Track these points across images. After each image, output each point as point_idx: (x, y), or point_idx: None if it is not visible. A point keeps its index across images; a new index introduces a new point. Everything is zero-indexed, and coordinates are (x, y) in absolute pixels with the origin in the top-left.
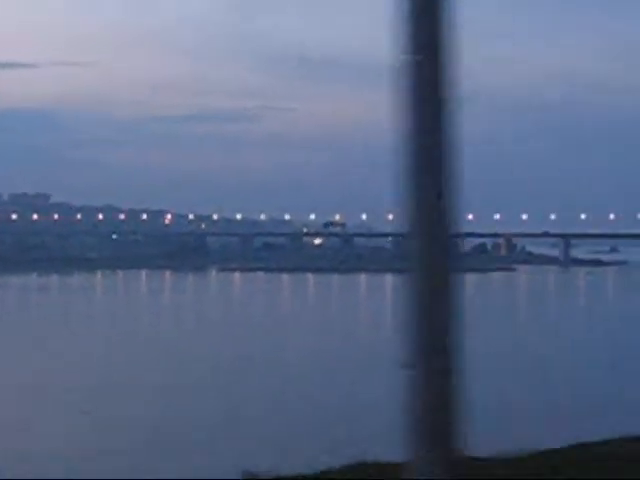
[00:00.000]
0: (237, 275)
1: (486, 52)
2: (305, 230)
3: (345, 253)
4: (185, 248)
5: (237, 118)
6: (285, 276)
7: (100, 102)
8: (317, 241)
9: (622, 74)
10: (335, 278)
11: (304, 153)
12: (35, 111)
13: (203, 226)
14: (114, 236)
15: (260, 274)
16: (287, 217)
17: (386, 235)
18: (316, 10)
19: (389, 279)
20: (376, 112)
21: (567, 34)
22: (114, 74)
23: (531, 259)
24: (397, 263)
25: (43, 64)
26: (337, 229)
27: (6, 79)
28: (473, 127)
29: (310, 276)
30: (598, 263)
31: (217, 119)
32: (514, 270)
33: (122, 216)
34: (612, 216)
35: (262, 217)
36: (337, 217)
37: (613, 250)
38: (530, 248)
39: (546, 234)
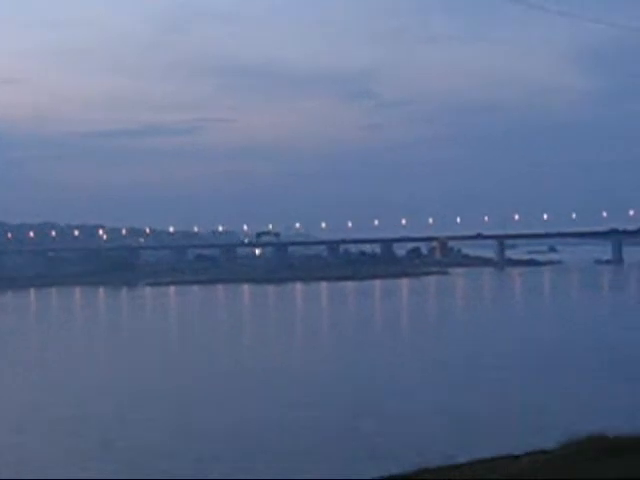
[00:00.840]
0: (167, 289)
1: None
2: (246, 240)
3: (279, 263)
4: (116, 263)
5: (175, 131)
6: (219, 287)
7: (34, 119)
8: (257, 251)
9: (553, 77)
10: (270, 288)
11: (242, 164)
12: None
13: (142, 240)
14: (50, 254)
15: (193, 287)
16: (220, 228)
17: (321, 243)
18: (255, 22)
19: (324, 287)
20: (314, 122)
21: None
22: (47, 91)
23: (467, 261)
24: (332, 270)
25: None
26: (270, 238)
27: None
28: (407, 132)
29: (245, 287)
30: (533, 263)
31: (154, 133)
32: (447, 273)
33: (53, 233)
34: (545, 216)
35: (195, 229)
36: (270, 227)
37: (551, 250)
38: (467, 251)
39: (480, 236)
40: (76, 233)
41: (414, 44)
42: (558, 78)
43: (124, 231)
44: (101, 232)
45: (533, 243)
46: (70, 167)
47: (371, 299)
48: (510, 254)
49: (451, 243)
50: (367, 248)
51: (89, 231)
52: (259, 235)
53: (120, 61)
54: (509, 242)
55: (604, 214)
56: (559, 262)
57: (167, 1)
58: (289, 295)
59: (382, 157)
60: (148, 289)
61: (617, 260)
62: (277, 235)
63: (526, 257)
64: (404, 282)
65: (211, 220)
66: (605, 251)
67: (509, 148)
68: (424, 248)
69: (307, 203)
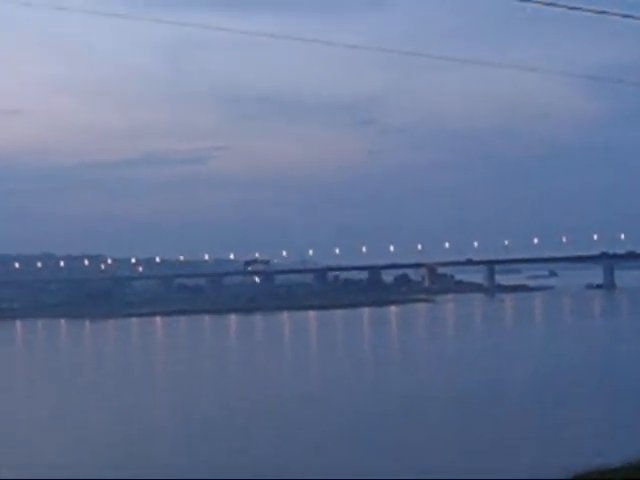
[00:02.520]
0: (145, 320)
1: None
2: (249, 266)
3: (266, 291)
4: (95, 294)
5: (179, 161)
6: (200, 318)
7: (36, 150)
8: (257, 279)
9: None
10: (254, 319)
11: (245, 193)
12: None
13: (141, 269)
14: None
15: (173, 318)
16: (207, 257)
17: (308, 271)
18: (259, 51)
19: (312, 316)
20: (317, 149)
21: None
22: (49, 122)
23: (457, 288)
24: (318, 299)
25: None
26: (260, 267)
27: None
28: (410, 158)
29: (228, 317)
30: (524, 289)
31: (157, 162)
32: (433, 301)
33: (39, 264)
34: (536, 240)
35: (181, 258)
36: (257, 255)
37: (552, 274)
38: (461, 276)
39: (469, 262)
40: (62, 264)
41: (419, 70)
42: (564, 102)
43: (109, 260)
44: (87, 263)
45: (534, 268)
46: (71, 198)
47: (351, 329)
48: (511, 279)
49: (444, 269)
50: (357, 275)
51: (88, 262)
52: (247, 263)
53: (124, 92)
54: (512, 267)
55: (595, 237)
56: (551, 287)
57: (171, 32)
58: (272, 326)
59: (384, 184)
60: (125, 320)
61: (608, 285)
62: (267, 263)
63: (517, 283)
64: (389, 310)
65: (213, 249)
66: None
67: (512, 173)
68: (415, 275)
69: (305, 231)
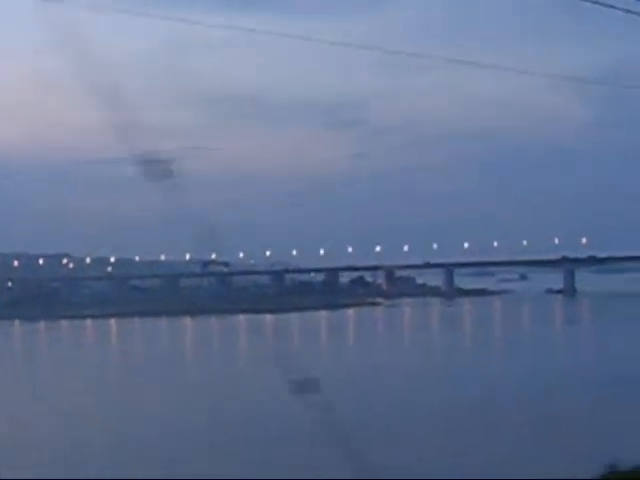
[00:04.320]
0: (82, 322)
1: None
2: (206, 267)
3: (222, 294)
4: (34, 295)
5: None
6: (147, 320)
7: (21, 147)
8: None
9: (548, 104)
10: (213, 321)
11: (224, 194)
12: None
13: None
14: None
15: (114, 320)
16: (163, 257)
17: (265, 273)
18: (241, 49)
19: (269, 320)
20: (300, 150)
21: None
22: (35, 119)
23: (415, 291)
24: (277, 301)
25: None
26: (218, 268)
27: None
28: (393, 161)
29: (177, 319)
30: (484, 293)
31: (120, 162)
32: (379, 304)
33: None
34: (495, 244)
35: (137, 258)
36: (213, 256)
37: (522, 278)
38: (425, 279)
39: (428, 265)
40: (15, 264)
41: (405, 70)
42: (553, 106)
43: (65, 260)
44: (44, 262)
45: (505, 271)
46: (52, 196)
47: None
48: (480, 282)
49: (409, 272)
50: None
51: (54, 261)
52: (205, 264)
53: (103, 89)
54: (487, 270)
55: (556, 241)
56: (511, 291)
57: (149, 31)
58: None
59: (365, 186)
60: (62, 323)
61: (568, 289)
62: (226, 265)
63: (478, 286)
64: (335, 314)
65: (179, 249)
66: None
67: (493, 176)
68: (377, 277)
69: (273, 232)
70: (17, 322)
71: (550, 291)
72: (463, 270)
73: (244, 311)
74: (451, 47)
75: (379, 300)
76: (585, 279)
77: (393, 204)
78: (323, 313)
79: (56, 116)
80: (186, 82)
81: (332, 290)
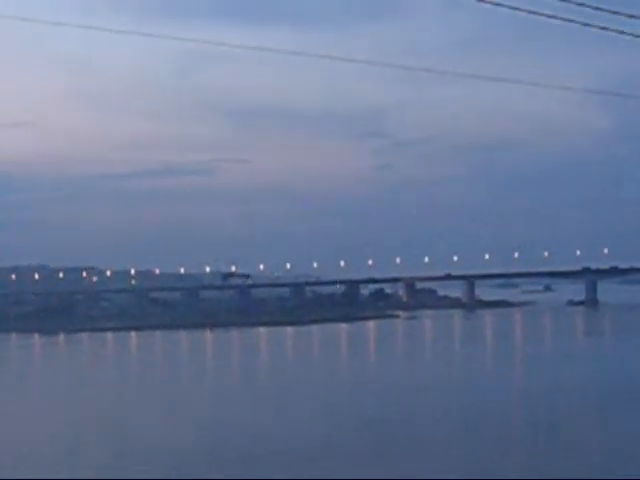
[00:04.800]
0: (101, 336)
1: None
2: (226, 280)
3: (242, 306)
4: (52, 308)
5: (190, 172)
6: (166, 333)
7: (50, 161)
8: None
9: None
10: (233, 334)
11: (253, 205)
12: None
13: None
14: None
15: (133, 334)
16: (182, 270)
17: (286, 285)
18: (259, 62)
19: (290, 332)
20: (325, 162)
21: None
22: (62, 134)
23: (435, 303)
24: (297, 313)
25: None
26: (239, 280)
27: None
28: (417, 172)
29: (196, 333)
30: (505, 304)
31: (169, 174)
32: (395, 317)
33: (13, 276)
34: (516, 255)
35: (157, 271)
36: (233, 268)
37: (547, 289)
38: (447, 292)
39: (448, 277)
40: (36, 277)
41: (427, 83)
42: (571, 117)
43: (84, 273)
44: (70, 276)
45: (530, 283)
46: (83, 209)
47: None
48: (506, 294)
49: (431, 285)
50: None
51: (80, 274)
52: (225, 277)
53: (136, 103)
54: (515, 281)
55: (578, 252)
56: (532, 303)
57: (183, 43)
58: (231, 343)
59: (389, 197)
60: (80, 336)
61: (590, 301)
62: (247, 277)
63: (499, 298)
64: (353, 326)
65: (205, 262)
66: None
67: (515, 188)
68: (398, 289)
69: (296, 244)
70: (36, 335)
71: (571, 303)
72: (487, 282)
73: (264, 324)
74: (472, 60)
75: (398, 313)
76: (607, 290)
77: (414, 215)
78: (343, 326)
79: (77, 130)
80: (215, 96)
81: (352, 302)
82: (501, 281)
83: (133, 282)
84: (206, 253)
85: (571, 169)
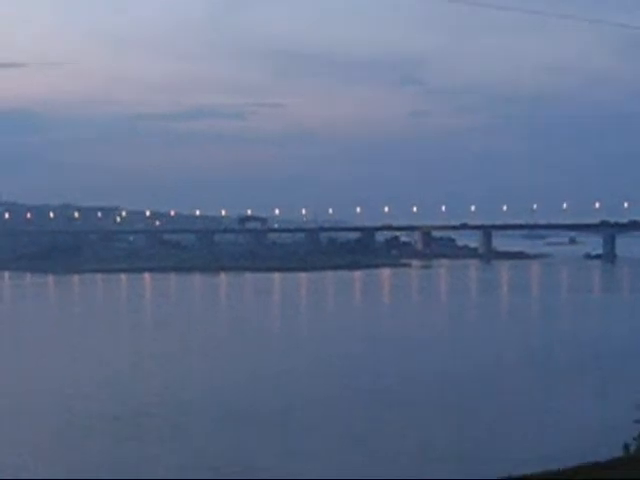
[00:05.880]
0: (112, 276)
1: None
2: (243, 224)
3: (256, 251)
4: (60, 247)
5: (225, 115)
6: (175, 276)
7: (83, 102)
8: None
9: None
10: (249, 277)
11: (287, 150)
12: (19, 111)
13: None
14: None
15: (144, 275)
16: (197, 212)
17: (301, 230)
18: (311, 6)
19: (297, 279)
20: (362, 108)
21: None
22: (96, 74)
23: (451, 253)
24: (310, 259)
25: (30, 63)
26: (255, 224)
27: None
28: (453, 121)
29: (222, 275)
30: (521, 256)
31: (203, 116)
32: (406, 266)
33: (29, 215)
34: (535, 206)
35: (172, 213)
36: (249, 212)
37: (572, 241)
38: (467, 242)
39: (465, 226)
40: (51, 215)
41: (467, 31)
42: (609, 69)
43: (99, 214)
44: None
45: (555, 234)
46: (115, 150)
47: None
48: (532, 245)
49: (446, 233)
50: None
51: (106, 213)
52: (242, 221)
53: (172, 43)
54: (538, 232)
55: (597, 205)
56: (549, 255)
57: None
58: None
59: (424, 146)
60: (84, 277)
61: (608, 255)
62: (264, 220)
63: (516, 249)
64: (371, 273)
65: (229, 204)
66: (625, 242)
67: (549, 139)
68: (414, 238)
69: (321, 189)
70: (34, 275)
71: (588, 256)
72: (513, 232)
73: (276, 269)
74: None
75: (412, 261)
76: (627, 245)
77: (440, 165)
78: (354, 273)
79: (108, 71)
80: (251, 39)
81: (366, 250)
82: (526, 232)
83: (147, 223)
84: (229, 196)
85: (604, 122)
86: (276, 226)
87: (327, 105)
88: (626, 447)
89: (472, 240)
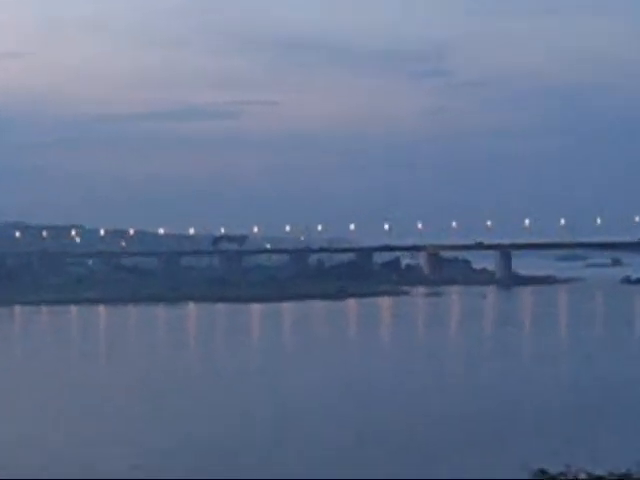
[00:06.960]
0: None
1: None
2: (217, 244)
3: (230, 276)
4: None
5: (211, 115)
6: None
7: (46, 98)
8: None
9: None
10: (220, 309)
11: (283, 156)
12: None
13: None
14: None
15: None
16: (161, 231)
17: (284, 252)
18: None
19: (287, 308)
20: (371, 104)
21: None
22: (61, 66)
23: (466, 278)
24: (293, 286)
25: None
26: (232, 245)
27: None
28: (477, 119)
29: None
30: (549, 281)
31: (185, 117)
32: (408, 294)
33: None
34: (563, 222)
35: (131, 232)
36: (222, 230)
37: (615, 263)
38: (485, 263)
39: (479, 246)
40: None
41: (495, 16)
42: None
43: (44, 233)
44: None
45: (600, 255)
46: (80, 155)
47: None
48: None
49: (459, 254)
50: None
51: (57, 232)
52: (216, 241)
53: (148, 30)
54: (575, 253)
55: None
56: (581, 279)
57: None
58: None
59: (444, 148)
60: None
61: None
62: (242, 240)
63: (544, 273)
64: (360, 304)
65: (206, 221)
66: None
67: (574, 139)
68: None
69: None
70: None
71: (627, 280)
72: (551, 252)
73: (255, 299)
74: None
75: (414, 289)
76: None
77: (451, 172)
78: (348, 303)
79: (81, 62)
80: (248, 23)
81: (360, 275)
82: (565, 253)
83: (104, 244)
84: (201, 211)
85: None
86: (255, 247)
87: (329, 102)
88: None
89: (492, 262)
